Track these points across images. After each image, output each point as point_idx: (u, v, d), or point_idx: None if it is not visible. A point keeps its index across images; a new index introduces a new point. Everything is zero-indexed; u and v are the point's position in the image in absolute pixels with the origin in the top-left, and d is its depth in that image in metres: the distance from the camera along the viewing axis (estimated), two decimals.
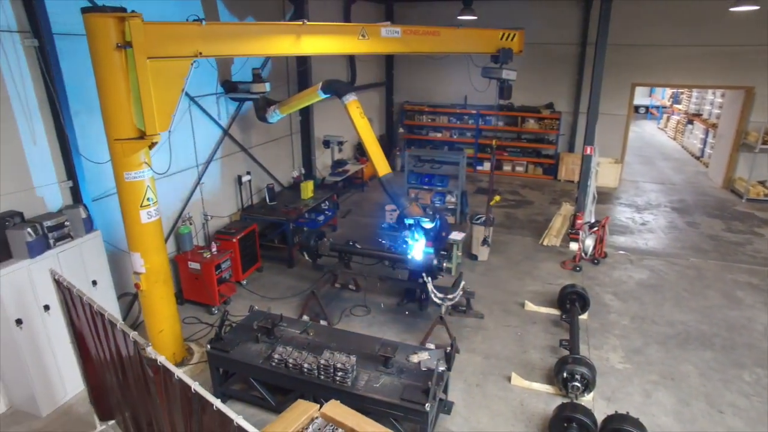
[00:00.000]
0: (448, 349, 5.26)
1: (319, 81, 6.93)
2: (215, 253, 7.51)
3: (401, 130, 16.01)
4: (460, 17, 11.90)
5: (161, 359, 3.25)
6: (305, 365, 5.03)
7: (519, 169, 14.75)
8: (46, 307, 5.37)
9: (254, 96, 8.22)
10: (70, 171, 5.98)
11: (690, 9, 12.39)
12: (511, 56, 7.52)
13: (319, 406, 4.23)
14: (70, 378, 5.68)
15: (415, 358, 5.28)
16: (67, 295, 4.41)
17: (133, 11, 4.88)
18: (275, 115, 8.13)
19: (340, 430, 4.02)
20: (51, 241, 5.36)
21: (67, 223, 5.52)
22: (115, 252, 6.60)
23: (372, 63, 15.20)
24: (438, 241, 7.21)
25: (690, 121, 18.91)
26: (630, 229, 10.88)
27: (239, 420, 2.72)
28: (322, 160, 12.39)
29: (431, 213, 6.98)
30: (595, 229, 9.02)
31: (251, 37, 5.56)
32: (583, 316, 7.38)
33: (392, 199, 6.58)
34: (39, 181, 5.76)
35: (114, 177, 5.38)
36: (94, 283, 5.92)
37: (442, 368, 5.03)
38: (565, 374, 5.62)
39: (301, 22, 5.70)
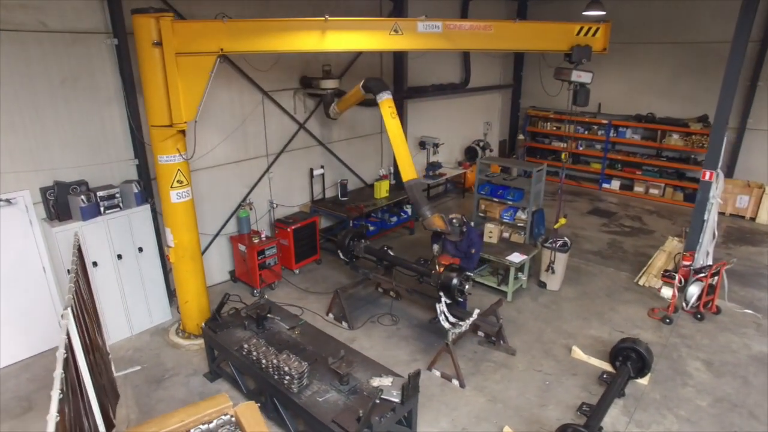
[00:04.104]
0: (407, 380, 4.69)
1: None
2: (263, 239, 7.95)
3: (521, 136, 14.77)
4: (585, 13, 10.42)
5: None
6: (263, 361, 5.02)
7: (654, 191, 12.38)
8: (95, 264, 6.34)
9: (323, 92, 8.43)
10: (137, 151, 6.92)
11: None
12: (587, 55, 6.31)
13: (232, 404, 4.17)
14: (114, 326, 6.73)
15: (375, 382, 4.84)
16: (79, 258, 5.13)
17: (165, 12, 5.43)
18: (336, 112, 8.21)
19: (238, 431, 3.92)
20: (101, 209, 6.28)
21: (117, 195, 6.40)
22: None
23: (496, 63, 14.32)
24: (467, 259, 6.50)
25: None
26: None
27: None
28: (417, 160, 12.09)
29: (457, 227, 6.33)
30: (703, 275, 7.11)
31: (273, 33, 5.67)
32: (642, 381, 5.92)
33: (414, 206, 6.25)
34: (111, 158, 6.79)
35: (153, 159, 6.08)
36: (140, 249, 6.76)
37: (394, 399, 4.57)
38: None
39: (323, 18, 5.62)
